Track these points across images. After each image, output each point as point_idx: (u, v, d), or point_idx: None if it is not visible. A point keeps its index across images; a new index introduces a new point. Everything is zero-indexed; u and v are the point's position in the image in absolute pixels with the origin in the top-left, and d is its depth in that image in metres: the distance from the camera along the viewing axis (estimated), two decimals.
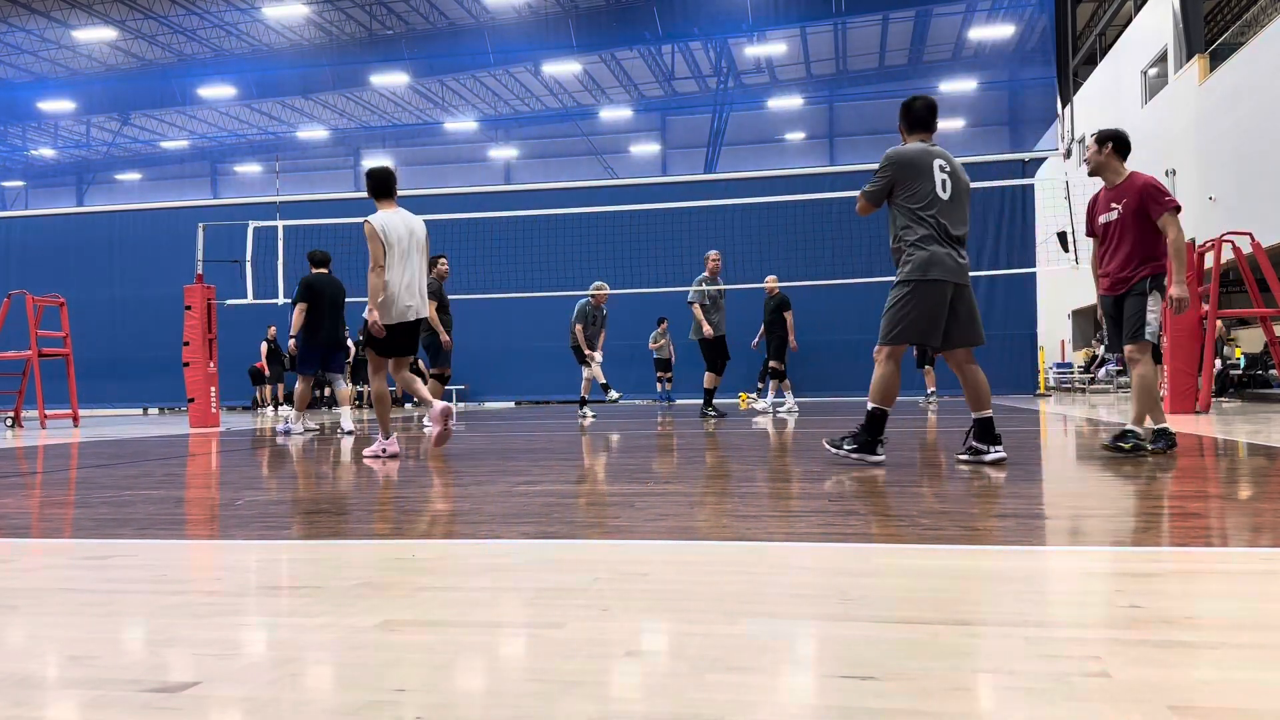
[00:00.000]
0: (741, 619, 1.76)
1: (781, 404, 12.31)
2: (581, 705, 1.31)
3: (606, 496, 3.65)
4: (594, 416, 11.07)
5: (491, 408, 17.50)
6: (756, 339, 12.73)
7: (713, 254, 10.87)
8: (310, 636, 1.71)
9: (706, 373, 10.84)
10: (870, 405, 4.69)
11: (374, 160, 39.57)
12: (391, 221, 5.84)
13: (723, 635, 1.65)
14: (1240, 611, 1.78)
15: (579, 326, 11.08)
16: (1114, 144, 5.09)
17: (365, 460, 5.62)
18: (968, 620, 1.73)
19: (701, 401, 11.06)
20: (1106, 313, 5.23)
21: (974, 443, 4.66)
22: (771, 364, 12.32)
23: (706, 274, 10.78)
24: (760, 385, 13.08)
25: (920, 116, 4.79)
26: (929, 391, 14.24)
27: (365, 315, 5.75)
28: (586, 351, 11.14)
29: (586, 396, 11.44)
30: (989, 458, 4.57)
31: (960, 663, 1.50)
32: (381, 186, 5.98)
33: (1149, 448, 4.85)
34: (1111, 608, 1.80)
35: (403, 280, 5.79)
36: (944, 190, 4.62)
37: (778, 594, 2.00)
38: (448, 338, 9.56)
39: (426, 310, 6.02)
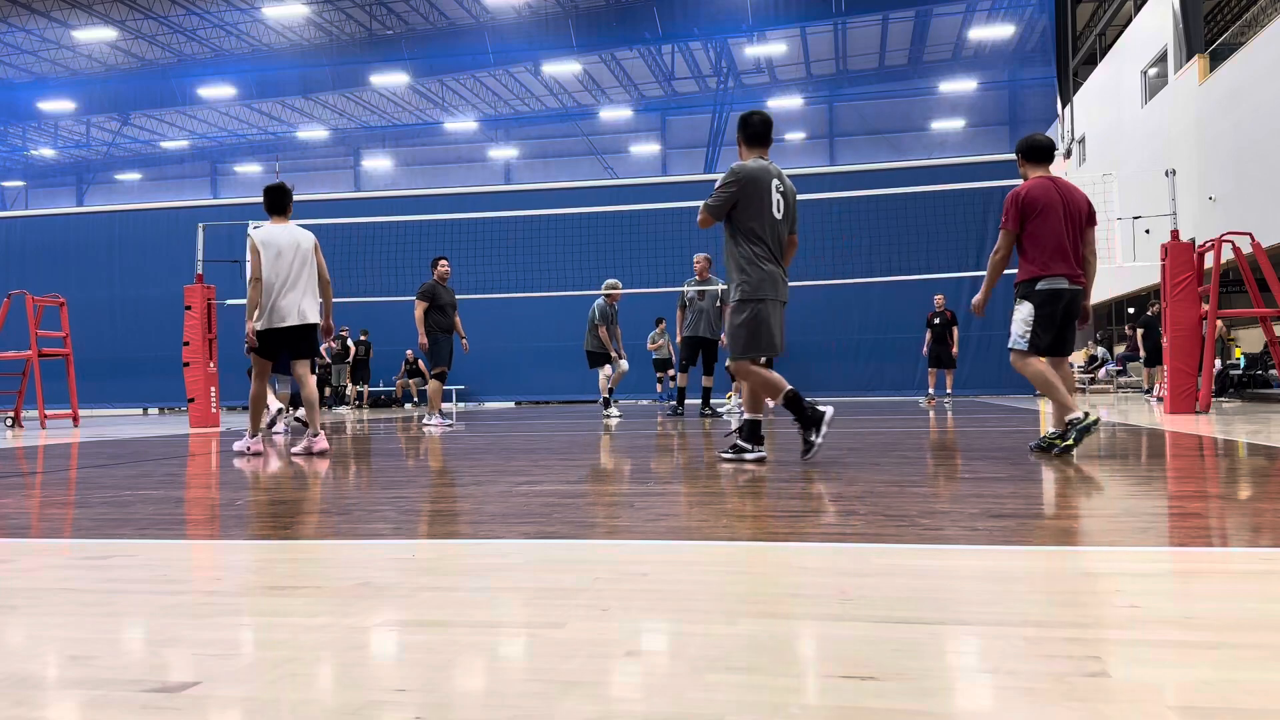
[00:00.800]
0: (741, 619, 1.76)
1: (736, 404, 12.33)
2: (581, 705, 1.31)
3: (606, 496, 3.65)
4: (620, 416, 10.93)
5: (491, 408, 17.50)
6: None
7: (697, 256, 10.89)
8: (310, 636, 1.71)
9: (703, 375, 10.93)
10: (747, 416, 4.92)
11: (374, 160, 39.62)
12: (274, 235, 6.23)
13: (723, 635, 1.65)
14: (1240, 611, 1.78)
15: (602, 328, 11.05)
16: (1021, 155, 5.21)
17: (235, 459, 5.86)
18: (968, 620, 1.73)
19: (700, 401, 11.13)
20: None
21: (739, 441, 4.88)
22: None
23: (695, 276, 10.82)
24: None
25: (758, 132, 4.94)
26: (929, 392, 14.23)
27: (248, 329, 6.19)
28: (615, 355, 11.12)
29: (608, 396, 11.28)
30: (750, 457, 4.80)
31: (960, 663, 1.50)
32: (273, 202, 6.39)
33: (1086, 427, 4.82)
34: (1111, 608, 1.80)
35: (281, 289, 6.18)
36: (777, 210, 4.85)
37: (777, 594, 2.00)
38: (424, 340, 9.47)
39: (315, 316, 6.35)
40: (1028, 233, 4.97)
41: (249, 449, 6.23)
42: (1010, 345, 5.11)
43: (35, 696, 1.40)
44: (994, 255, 5.15)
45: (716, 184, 4.92)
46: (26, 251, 19.18)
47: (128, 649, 1.68)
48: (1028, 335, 5.00)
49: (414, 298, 9.55)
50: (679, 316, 10.96)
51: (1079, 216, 5.02)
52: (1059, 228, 4.92)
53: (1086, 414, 4.84)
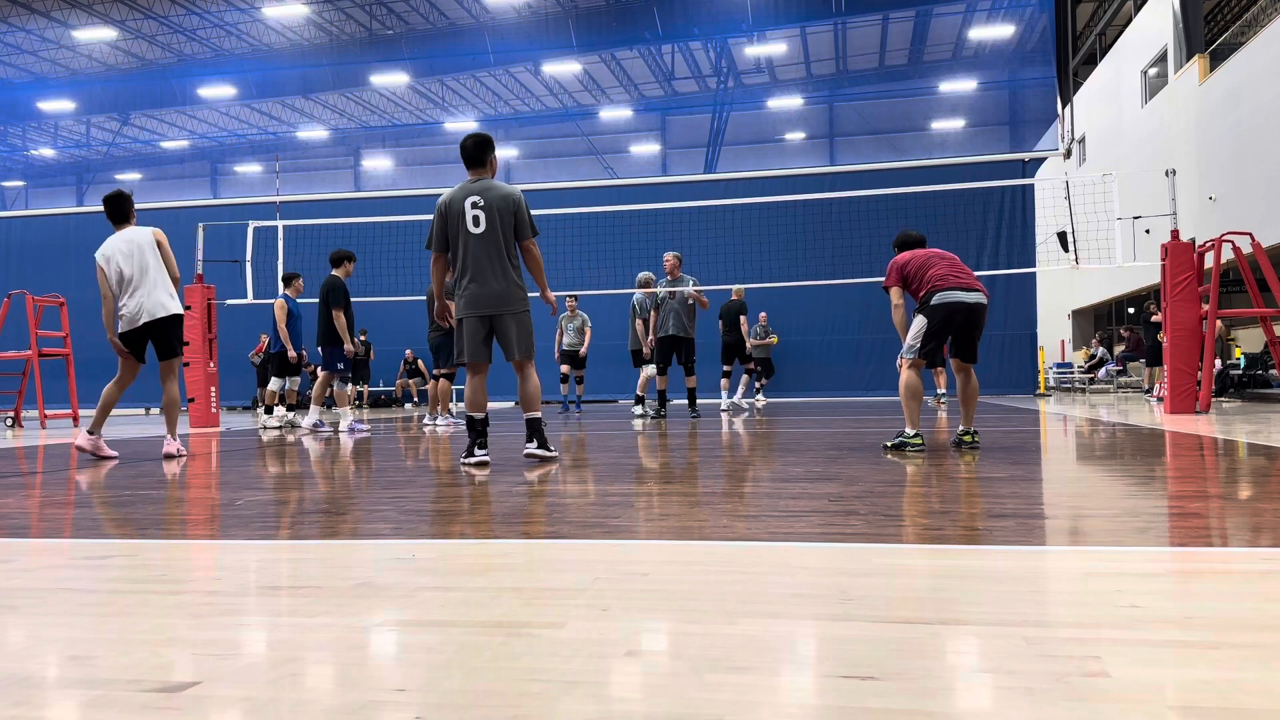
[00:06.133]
0: (741, 619, 1.76)
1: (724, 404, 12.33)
2: (581, 705, 1.31)
3: (606, 496, 3.65)
4: (647, 417, 10.68)
5: (489, 408, 17.47)
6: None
7: (667, 255, 10.82)
8: (310, 636, 1.71)
9: (686, 376, 10.86)
10: (467, 415, 5.19)
11: (374, 160, 39.64)
12: (113, 246, 6.39)
13: (723, 635, 1.65)
14: (1240, 611, 1.78)
15: (638, 322, 11.03)
16: (896, 248, 5.91)
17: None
18: (968, 620, 1.73)
19: (686, 402, 11.12)
20: None
21: (529, 449, 5.18)
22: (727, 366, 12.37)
23: (665, 275, 10.77)
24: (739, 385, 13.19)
25: (469, 154, 5.15)
26: (938, 392, 14.22)
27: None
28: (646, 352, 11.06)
29: (660, 394, 11.05)
30: (541, 454, 5.16)
31: (960, 663, 1.50)
32: (112, 211, 6.54)
33: (901, 445, 5.34)
34: (1111, 608, 1.80)
35: (127, 290, 6.35)
36: (476, 225, 5.02)
37: (778, 594, 2.00)
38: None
39: (173, 307, 6.36)
40: (912, 285, 5.56)
41: (177, 451, 6.27)
42: (903, 354, 5.53)
43: (35, 696, 1.40)
44: (894, 313, 5.71)
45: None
46: (26, 251, 19.18)
47: (128, 649, 1.68)
48: (916, 347, 5.46)
49: (424, 298, 9.69)
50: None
51: (954, 259, 5.62)
52: (939, 265, 5.51)
53: (918, 434, 5.34)
